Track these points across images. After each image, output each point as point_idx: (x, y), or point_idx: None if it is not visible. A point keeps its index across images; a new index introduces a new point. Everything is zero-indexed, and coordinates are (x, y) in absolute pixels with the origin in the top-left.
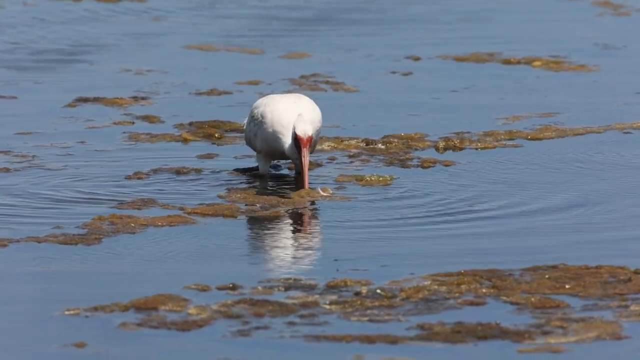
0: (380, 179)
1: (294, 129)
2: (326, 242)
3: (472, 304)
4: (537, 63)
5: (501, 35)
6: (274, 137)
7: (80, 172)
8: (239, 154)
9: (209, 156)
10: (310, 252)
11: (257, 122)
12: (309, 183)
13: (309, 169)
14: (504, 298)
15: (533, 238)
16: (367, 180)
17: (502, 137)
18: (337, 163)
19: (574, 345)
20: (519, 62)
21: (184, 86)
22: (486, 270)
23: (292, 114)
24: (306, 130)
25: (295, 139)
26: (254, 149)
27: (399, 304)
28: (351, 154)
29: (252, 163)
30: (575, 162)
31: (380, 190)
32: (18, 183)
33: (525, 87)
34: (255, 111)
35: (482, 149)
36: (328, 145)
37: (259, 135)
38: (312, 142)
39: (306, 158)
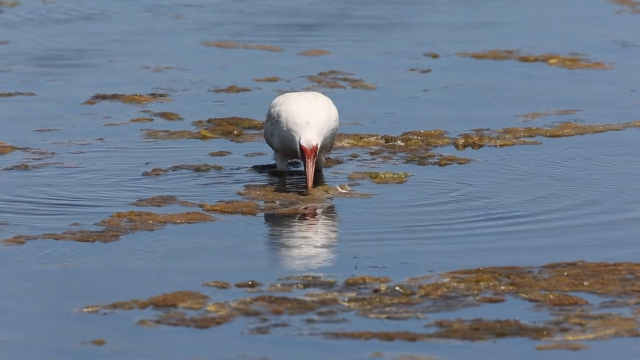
0: (395, 176)
1: (299, 138)
2: (345, 240)
3: (490, 301)
4: (553, 60)
5: (519, 33)
6: (289, 136)
7: (99, 169)
8: (249, 152)
9: (222, 154)
10: (328, 249)
11: (273, 121)
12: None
13: (327, 166)
14: (523, 295)
15: (551, 235)
16: (381, 178)
17: (522, 134)
18: (358, 160)
19: (592, 342)
20: (536, 60)
21: (203, 83)
22: (505, 268)
23: (307, 113)
24: (310, 140)
25: (300, 148)
26: (272, 147)
27: (417, 301)
28: (372, 151)
29: (267, 160)
30: (594, 159)
31: (398, 188)
32: (36, 180)
33: (543, 84)
34: (272, 110)
35: (501, 146)
36: (347, 143)
37: (275, 134)
38: (329, 142)
39: (310, 169)
